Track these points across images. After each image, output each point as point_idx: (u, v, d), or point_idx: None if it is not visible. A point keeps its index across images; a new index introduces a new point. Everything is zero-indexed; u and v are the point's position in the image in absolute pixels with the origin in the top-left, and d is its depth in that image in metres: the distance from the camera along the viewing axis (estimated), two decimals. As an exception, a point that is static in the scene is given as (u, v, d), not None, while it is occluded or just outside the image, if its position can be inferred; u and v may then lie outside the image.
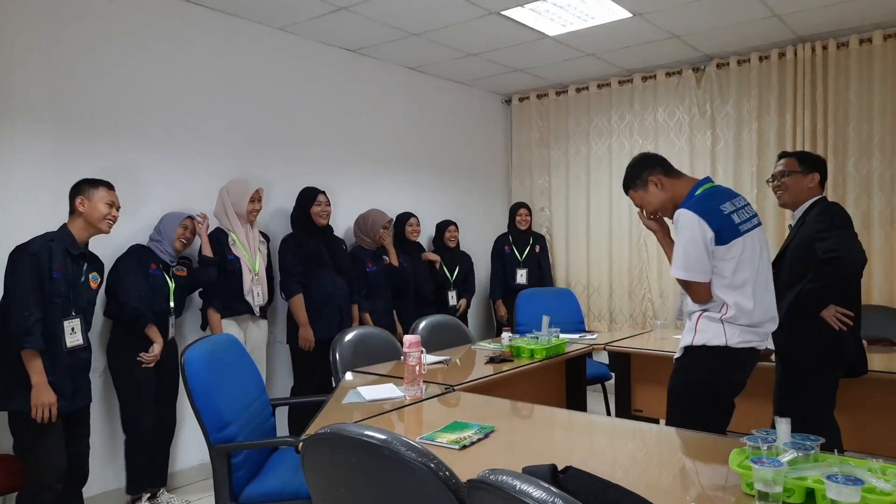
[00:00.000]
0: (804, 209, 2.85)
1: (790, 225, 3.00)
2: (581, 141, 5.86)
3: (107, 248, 3.25)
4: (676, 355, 2.42)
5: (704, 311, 2.33)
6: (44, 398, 2.59)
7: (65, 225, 2.81)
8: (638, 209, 2.56)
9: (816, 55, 4.65)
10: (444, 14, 4.06)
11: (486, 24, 4.22)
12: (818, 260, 2.64)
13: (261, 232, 3.90)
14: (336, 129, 4.69)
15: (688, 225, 2.25)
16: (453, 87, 5.71)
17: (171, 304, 3.37)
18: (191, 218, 3.52)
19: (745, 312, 2.26)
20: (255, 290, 3.70)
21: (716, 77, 5.11)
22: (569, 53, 4.97)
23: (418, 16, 4.09)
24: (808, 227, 2.76)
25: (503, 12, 4.04)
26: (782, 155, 2.98)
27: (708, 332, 2.30)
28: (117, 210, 2.89)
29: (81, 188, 2.83)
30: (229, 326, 3.64)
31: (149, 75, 3.62)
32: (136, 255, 3.32)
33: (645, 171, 2.45)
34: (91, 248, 2.94)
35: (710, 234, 2.22)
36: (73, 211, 2.83)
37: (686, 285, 2.33)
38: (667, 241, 2.49)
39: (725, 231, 2.24)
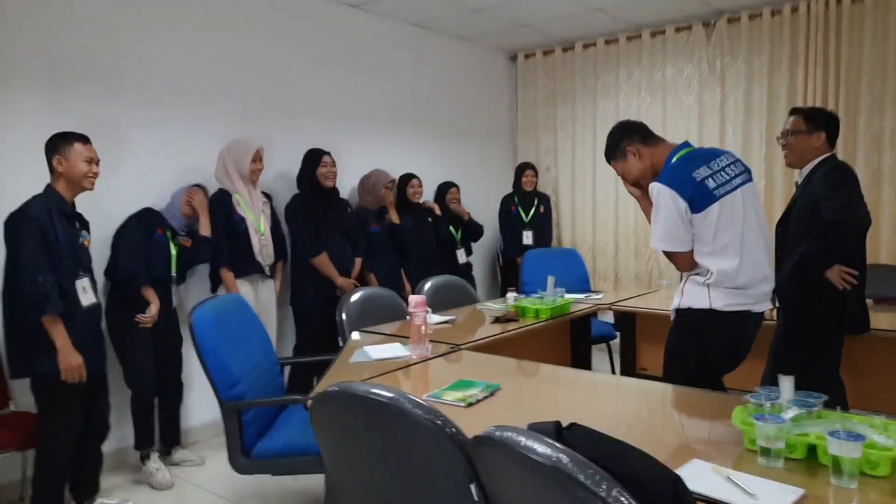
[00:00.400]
0: (811, 168, 2.81)
1: (796, 182, 2.96)
2: (588, 99, 5.77)
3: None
4: (672, 317, 2.46)
5: (693, 274, 2.36)
6: (72, 360, 2.59)
7: (49, 185, 2.70)
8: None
9: (830, 9, 4.53)
10: (448, -32, 3.97)
11: (491, -22, 4.13)
12: (823, 220, 2.62)
13: (263, 192, 3.88)
14: (337, 88, 4.63)
15: (661, 198, 2.27)
16: (458, 44, 5.60)
17: (173, 271, 3.38)
18: (198, 186, 3.51)
19: (729, 276, 2.27)
20: (263, 251, 3.71)
21: (726, 32, 5.00)
22: (576, 7, 4.85)
23: (422, -30, 4.00)
24: (814, 187, 2.72)
25: (509, -34, 3.94)
26: (792, 112, 2.93)
27: (692, 294, 2.34)
28: (97, 164, 2.78)
29: (56, 146, 2.69)
30: (241, 286, 3.65)
31: (146, 34, 3.56)
32: (142, 219, 3.33)
33: (623, 140, 2.47)
34: (87, 211, 2.90)
35: (683, 204, 2.23)
36: (52, 170, 2.71)
37: (668, 255, 2.37)
38: (649, 209, 2.49)
39: (698, 199, 2.24)
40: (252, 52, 4.09)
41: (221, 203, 3.63)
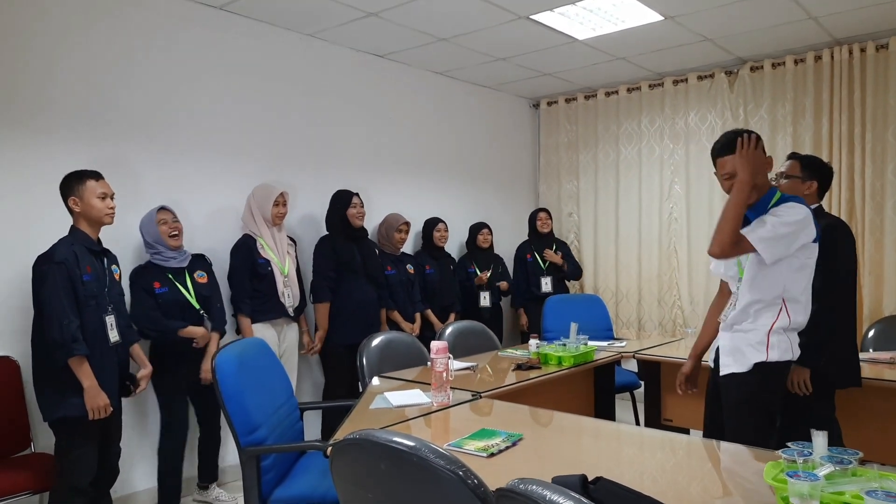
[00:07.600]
0: None
1: None
2: (610, 145, 5.80)
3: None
4: (738, 370, 2.29)
5: (774, 324, 2.25)
6: (98, 400, 2.64)
7: (73, 226, 2.77)
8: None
9: (854, 57, 4.55)
10: (473, 19, 4.06)
11: (515, 28, 4.21)
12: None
13: (288, 236, 3.93)
14: (364, 134, 4.72)
15: (797, 213, 2.19)
16: (481, 92, 5.71)
17: (200, 311, 3.33)
18: (164, 209, 3.30)
19: (802, 321, 2.30)
20: (286, 293, 3.74)
21: (749, 80, 5.02)
22: (598, 57, 4.93)
23: (447, 21, 4.10)
24: None
25: (532, 16, 4.02)
26: (790, 156, 2.89)
27: (780, 347, 2.25)
28: (112, 199, 2.80)
29: (70, 187, 2.73)
30: (266, 330, 3.67)
31: (178, 81, 3.67)
32: (138, 281, 3.24)
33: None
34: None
35: (814, 233, 2.22)
36: (71, 211, 2.76)
37: (740, 243, 2.16)
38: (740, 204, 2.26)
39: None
40: (283, 99, 4.19)
41: (246, 247, 3.68)
